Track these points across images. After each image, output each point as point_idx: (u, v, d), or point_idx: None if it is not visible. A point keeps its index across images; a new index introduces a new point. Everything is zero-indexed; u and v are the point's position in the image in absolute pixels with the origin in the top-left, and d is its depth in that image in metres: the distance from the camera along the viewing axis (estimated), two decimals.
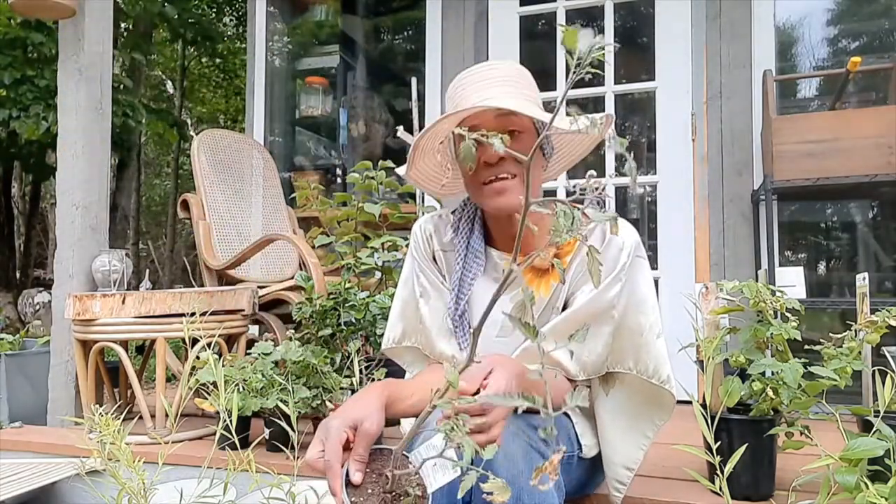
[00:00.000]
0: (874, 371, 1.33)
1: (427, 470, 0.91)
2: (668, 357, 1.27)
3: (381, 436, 0.99)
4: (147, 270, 2.97)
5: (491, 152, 1.17)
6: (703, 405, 1.48)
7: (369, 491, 0.89)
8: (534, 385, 1.12)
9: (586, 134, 1.24)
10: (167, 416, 2.01)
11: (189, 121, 10.64)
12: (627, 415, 1.30)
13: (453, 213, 1.36)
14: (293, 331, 2.09)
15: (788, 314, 1.45)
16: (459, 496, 0.80)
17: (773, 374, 1.41)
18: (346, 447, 0.94)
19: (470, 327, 1.33)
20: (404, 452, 0.94)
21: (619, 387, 1.30)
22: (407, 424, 1.47)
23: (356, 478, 0.91)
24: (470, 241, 1.29)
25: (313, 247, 2.59)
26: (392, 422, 1.49)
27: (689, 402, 1.23)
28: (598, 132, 0.70)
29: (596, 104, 3.10)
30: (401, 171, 1.33)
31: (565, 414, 1.28)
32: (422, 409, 1.19)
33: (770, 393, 1.40)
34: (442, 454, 0.87)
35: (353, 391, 1.78)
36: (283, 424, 1.49)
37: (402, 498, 0.90)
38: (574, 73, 0.58)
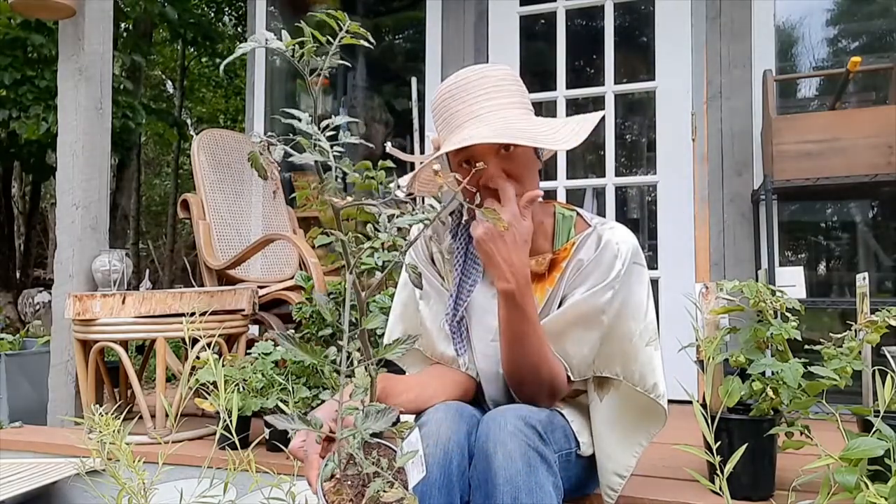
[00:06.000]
0: (874, 371, 1.33)
1: (407, 466, 0.91)
2: (659, 367, 1.25)
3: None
4: (147, 270, 2.97)
5: (489, 175, 1.17)
6: (703, 405, 1.48)
7: (349, 483, 0.89)
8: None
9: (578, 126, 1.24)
10: (167, 416, 2.01)
11: (189, 121, 10.64)
12: (622, 425, 1.29)
13: (451, 214, 1.36)
14: (293, 331, 2.09)
15: (788, 314, 1.45)
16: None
17: (773, 374, 1.41)
18: (333, 439, 0.93)
19: (468, 333, 1.33)
20: (391, 447, 0.94)
21: (614, 393, 1.29)
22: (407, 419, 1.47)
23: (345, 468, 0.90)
24: (469, 248, 1.29)
25: (313, 247, 2.59)
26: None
27: (689, 402, 1.23)
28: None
29: (596, 104, 3.10)
30: (402, 181, 1.32)
31: (560, 413, 1.28)
32: (415, 405, 1.20)
33: (770, 393, 1.40)
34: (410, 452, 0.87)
35: None
36: None
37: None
38: None
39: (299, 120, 0.71)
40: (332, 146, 0.72)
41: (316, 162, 0.72)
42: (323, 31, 0.72)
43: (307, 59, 0.69)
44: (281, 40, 0.68)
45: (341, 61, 0.73)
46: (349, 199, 0.75)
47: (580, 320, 1.21)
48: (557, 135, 1.17)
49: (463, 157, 1.20)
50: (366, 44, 0.74)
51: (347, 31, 0.70)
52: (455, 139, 1.14)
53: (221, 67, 0.72)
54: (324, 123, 0.72)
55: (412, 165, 3.07)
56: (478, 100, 1.17)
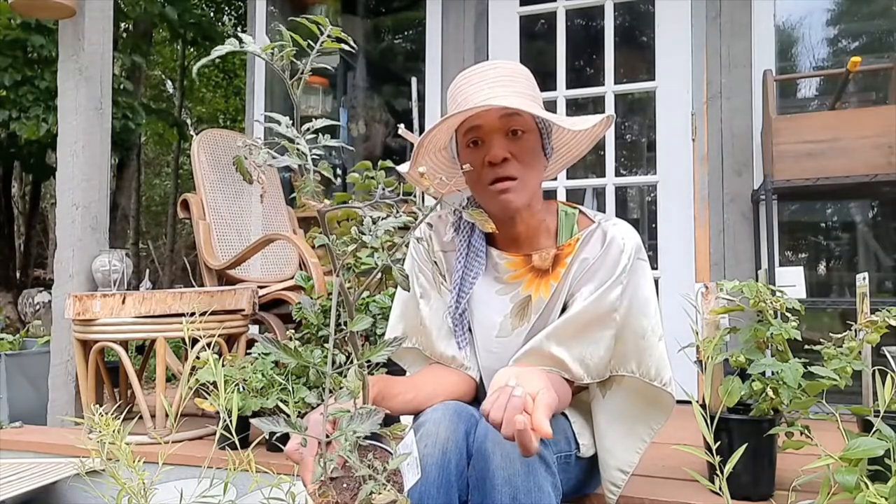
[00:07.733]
0: (874, 371, 1.33)
1: (403, 469, 0.91)
2: (668, 359, 1.27)
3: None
4: (147, 270, 2.97)
5: (495, 152, 1.18)
6: (703, 405, 1.48)
7: (344, 485, 0.88)
8: (562, 384, 1.15)
9: (586, 131, 1.25)
10: (167, 416, 2.01)
11: (189, 121, 10.64)
12: (626, 420, 1.29)
13: (454, 212, 1.36)
14: (293, 331, 2.08)
15: (788, 314, 1.45)
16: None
17: (773, 374, 1.41)
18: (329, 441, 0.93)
19: (469, 327, 1.33)
20: (388, 449, 0.94)
21: (617, 389, 1.29)
22: (406, 420, 1.47)
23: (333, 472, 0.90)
24: (471, 241, 1.29)
25: (313, 247, 2.59)
26: (391, 419, 1.48)
27: (689, 402, 1.23)
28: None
29: (596, 104, 3.10)
30: (402, 168, 1.33)
31: (562, 413, 1.28)
32: (412, 406, 1.20)
33: (770, 393, 1.40)
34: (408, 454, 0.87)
35: None
36: None
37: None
38: None
39: (279, 123, 0.71)
40: (311, 149, 0.72)
41: (299, 165, 0.72)
42: (321, 30, 0.73)
43: (286, 63, 0.69)
44: (275, 38, 0.68)
45: (332, 63, 0.73)
46: (326, 202, 0.75)
47: (594, 320, 1.22)
48: (567, 121, 1.20)
49: (471, 137, 1.21)
50: (346, 48, 0.74)
51: (329, 36, 0.71)
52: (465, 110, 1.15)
53: (195, 69, 0.72)
54: (305, 126, 0.72)
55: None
56: (491, 85, 1.19)
